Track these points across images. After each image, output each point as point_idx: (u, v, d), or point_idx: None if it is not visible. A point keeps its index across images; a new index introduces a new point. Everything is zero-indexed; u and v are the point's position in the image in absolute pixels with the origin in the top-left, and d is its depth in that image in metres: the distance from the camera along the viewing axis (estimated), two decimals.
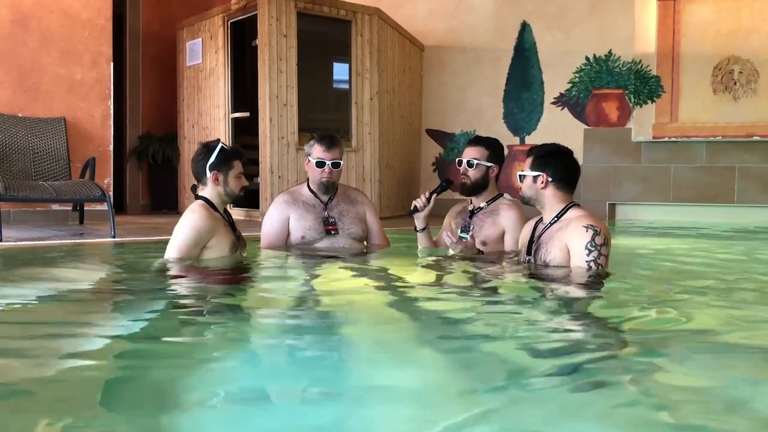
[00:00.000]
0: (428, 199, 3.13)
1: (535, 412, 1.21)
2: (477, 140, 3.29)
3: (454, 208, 3.42)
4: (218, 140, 2.92)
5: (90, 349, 1.66)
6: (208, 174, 2.83)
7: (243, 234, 3.06)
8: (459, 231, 3.18)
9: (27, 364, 1.50)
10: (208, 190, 2.87)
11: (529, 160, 2.64)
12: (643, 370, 1.46)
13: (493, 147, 3.22)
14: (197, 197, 2.90)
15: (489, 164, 3.18)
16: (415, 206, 3.14)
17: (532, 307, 2.16)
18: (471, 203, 3.27)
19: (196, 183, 2.94)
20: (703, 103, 7.05)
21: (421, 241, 3.29)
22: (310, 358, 1.60)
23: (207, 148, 2.87)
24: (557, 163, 2.59)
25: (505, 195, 3.37)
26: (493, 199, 3.23)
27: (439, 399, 1.28)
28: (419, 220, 3.22)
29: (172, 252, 2.78)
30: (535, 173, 2.59)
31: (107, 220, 4.68)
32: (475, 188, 3.18)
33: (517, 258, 2.86)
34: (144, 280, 2.73)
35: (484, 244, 3.13)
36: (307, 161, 3.29)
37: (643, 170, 7.38)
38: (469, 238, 3.08)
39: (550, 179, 2.57)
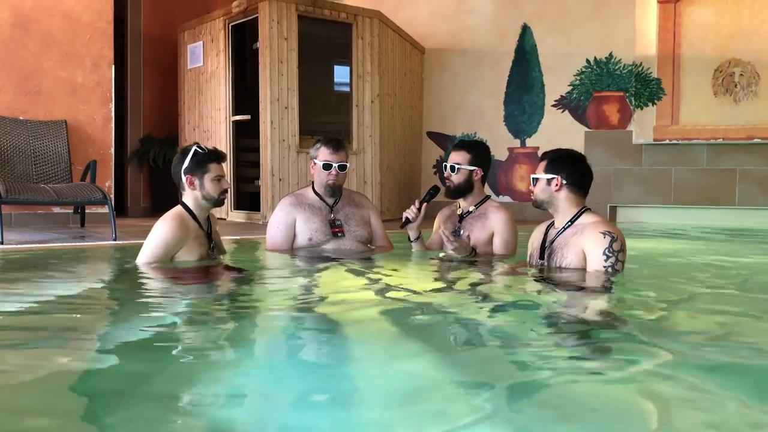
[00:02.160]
0: (419, 209, 3.15)
1: (539, 416, 1.21)
2: (460, 145, 3.32)
3: (442, 212, 3.43)
4: (195, 143, 2.88)
5: (92, 351, 1.65)
6: (183, 178, 2.80)
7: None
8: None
9: (27, 367, 1.49)
10: (187, 196, 2.84)
11: (542, 164, 2.64)
12: (649, 372, 1.46)
13: (475, 151, 3.25)
14: (181, 203, 2.87)
15: (471, 168, 3.21)
16: (407, 218, 3.16)
17: (548, 310, 2.15)
18: (459, 207, 3.29)
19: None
20: (704, 106, 7.06)
21: (415, 249, 3.30)
22: (316, 358, 1.60)
23: (182, 151, 2.84)
24: (572, 167, 2.60)
25: (492, 197, 3.39)
26: (481, 202, 3.27)
27: (442, 401, 1.28)
28: (412, 231, 3.27)
29: (141, 260, 2.79)
30: (550, 176, 2.59)
31: (108, 223, 4.68)
32: (459, 192, 3.23)
33: (527, 261, 2.85)
34: (147, 284, 2.73)
35: (474, 247, 3.15)
36: (312, 164, 3.29)
37: (644, 172, 7.38)
38: (463, 238, 3.10)
39: (564, 182, 2.57)
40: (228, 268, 2.92)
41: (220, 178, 2.82)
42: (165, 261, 2.76)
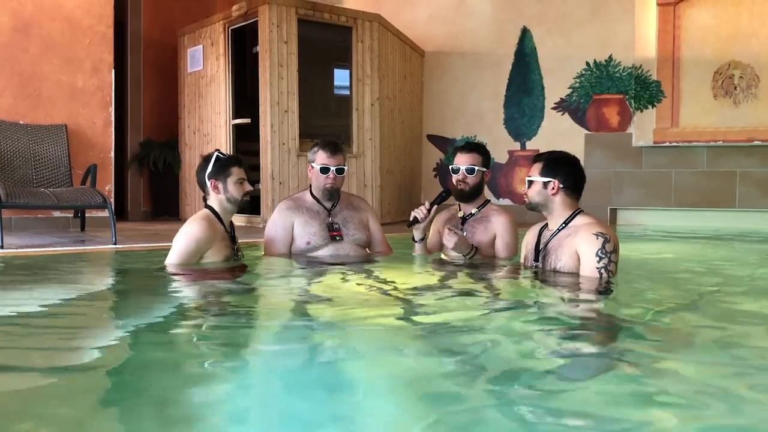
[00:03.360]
0: (429, 210, 3.15)
1: (535, 415, 1.20)
2: (470, 147, 3.33)
3: (440, 215, 3.42)
4: (216, 150, 3.00)
5: (91, 355, 1.65)
6: (208, 183, 2.90)
7: (243, 239, 3.08)
8: None
9: (27, 371, 1.50)
10: (212, 200, 2.95)
11: (538, 166, 2.63)
12: (644, 372, 1.46)
13: (484, 152, 3.31)
14: (206, 206, 2.98)
15: (484, 169, 3.26)
16: (415, 217, 3.16)
17: (544, 312, 2.16)
18: (460, 210, 3.29)
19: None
20: (704, 108, 7.06)
21: (418, 251, 3.31)
22: (315, 359, 1.60)
23: (205, 158, 2.96)
24: (568, 170, 2.60)
25: (492, 200, 3.41)
26: (483, 205, 3.28)
27: (443, 404, 1.28)
28: (418, 231, 3.25)
29: (172, 259, 2.85)
30: (546, 179, 2.58)
31: (108, 227, 4.68)
32: (473, 193, 3.24)
33: (521, 263, 2.86)
34: (146, 288, 2.73)
35: (474, 246, 3.15)
36: (310, 168, 3.29)
37: (644, 175, 7.38)
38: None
39: (561, 186, 2.57)
40: (232, 270, 2.94)
41: (242, 180, 2.95)
42: (196, 259, 2.82)
